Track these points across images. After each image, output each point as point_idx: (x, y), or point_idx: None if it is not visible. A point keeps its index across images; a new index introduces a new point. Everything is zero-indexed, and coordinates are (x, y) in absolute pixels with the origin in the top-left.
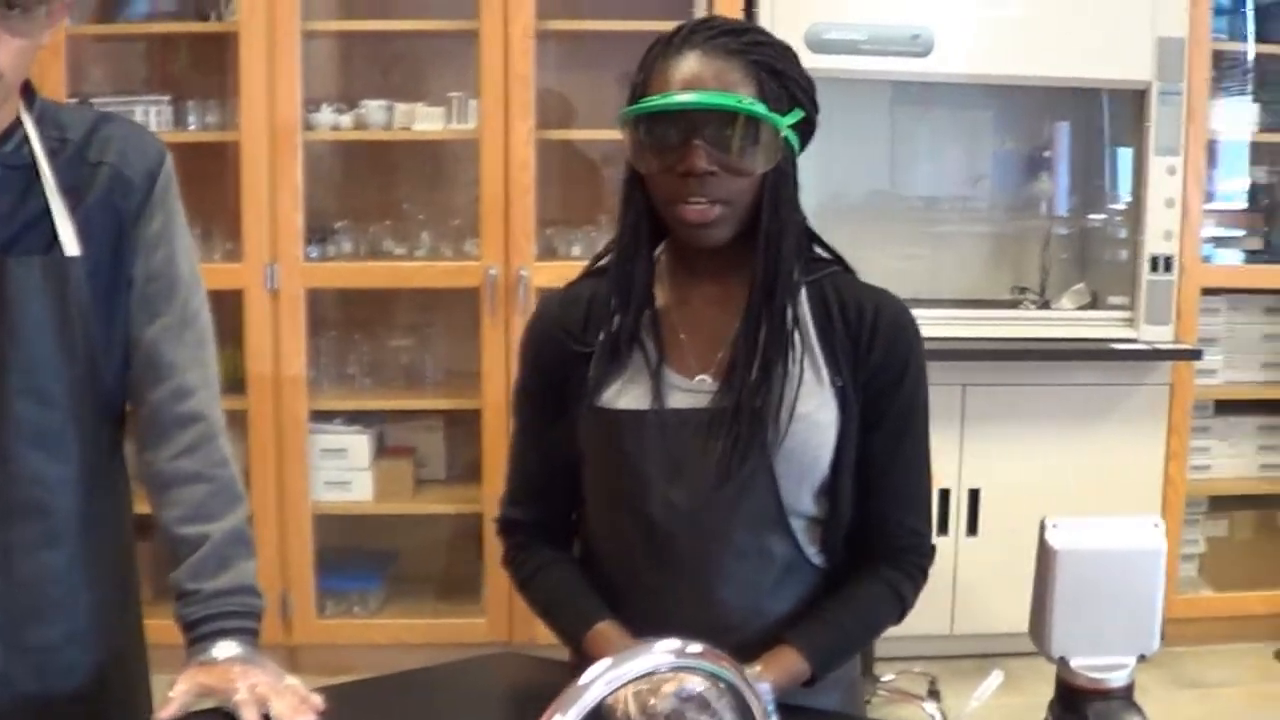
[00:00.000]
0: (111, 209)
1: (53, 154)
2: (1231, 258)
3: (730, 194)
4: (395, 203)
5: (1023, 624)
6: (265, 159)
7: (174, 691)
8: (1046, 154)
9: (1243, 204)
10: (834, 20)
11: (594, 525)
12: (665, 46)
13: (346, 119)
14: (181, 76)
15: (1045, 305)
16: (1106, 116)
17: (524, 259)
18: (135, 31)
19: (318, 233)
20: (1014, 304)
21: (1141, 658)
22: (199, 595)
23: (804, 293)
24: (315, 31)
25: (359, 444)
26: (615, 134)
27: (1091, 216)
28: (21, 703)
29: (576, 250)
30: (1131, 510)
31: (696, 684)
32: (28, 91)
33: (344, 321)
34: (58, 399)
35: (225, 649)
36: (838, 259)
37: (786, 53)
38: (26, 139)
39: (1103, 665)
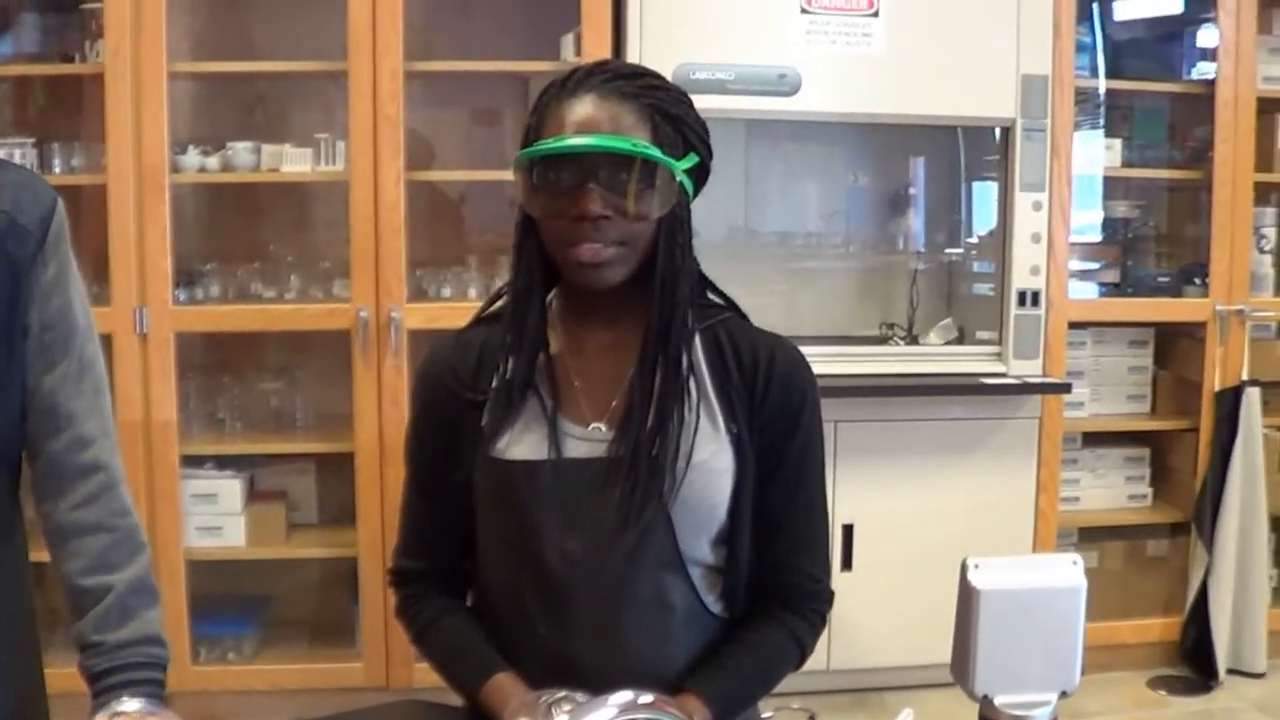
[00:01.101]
0: (5, 256)
1: None
2: (1088, 291)
3: (625, 237)
4: (263, 244)
5: (899, 658)
6: (132, 202)
7: None
8: (907, 190)
9: (1097, 237)
10: (702, 60)
11: (489, 575)
12: (559, 89)
13: (213, 161)
14: (44, 119)
15: (914, 341)
16: (962, 151)
17: (395, 300)
18: (5, 73)
19: (185, 276)
20: (882, 340)
21: (1063, 694)
22: (103, 647)
23: (698, 339)
24: (180, 73)
25: (230, 488)
26: (477, 174)
27: (950, 251)
28: None
29: (446, 291)
30: (1003, 543)
31: None
32: None
33: (212, 365)
34: None
35: (130, 703)
36: (731, 305)
37: (681, 98)
38: None
39: (1025, 703)
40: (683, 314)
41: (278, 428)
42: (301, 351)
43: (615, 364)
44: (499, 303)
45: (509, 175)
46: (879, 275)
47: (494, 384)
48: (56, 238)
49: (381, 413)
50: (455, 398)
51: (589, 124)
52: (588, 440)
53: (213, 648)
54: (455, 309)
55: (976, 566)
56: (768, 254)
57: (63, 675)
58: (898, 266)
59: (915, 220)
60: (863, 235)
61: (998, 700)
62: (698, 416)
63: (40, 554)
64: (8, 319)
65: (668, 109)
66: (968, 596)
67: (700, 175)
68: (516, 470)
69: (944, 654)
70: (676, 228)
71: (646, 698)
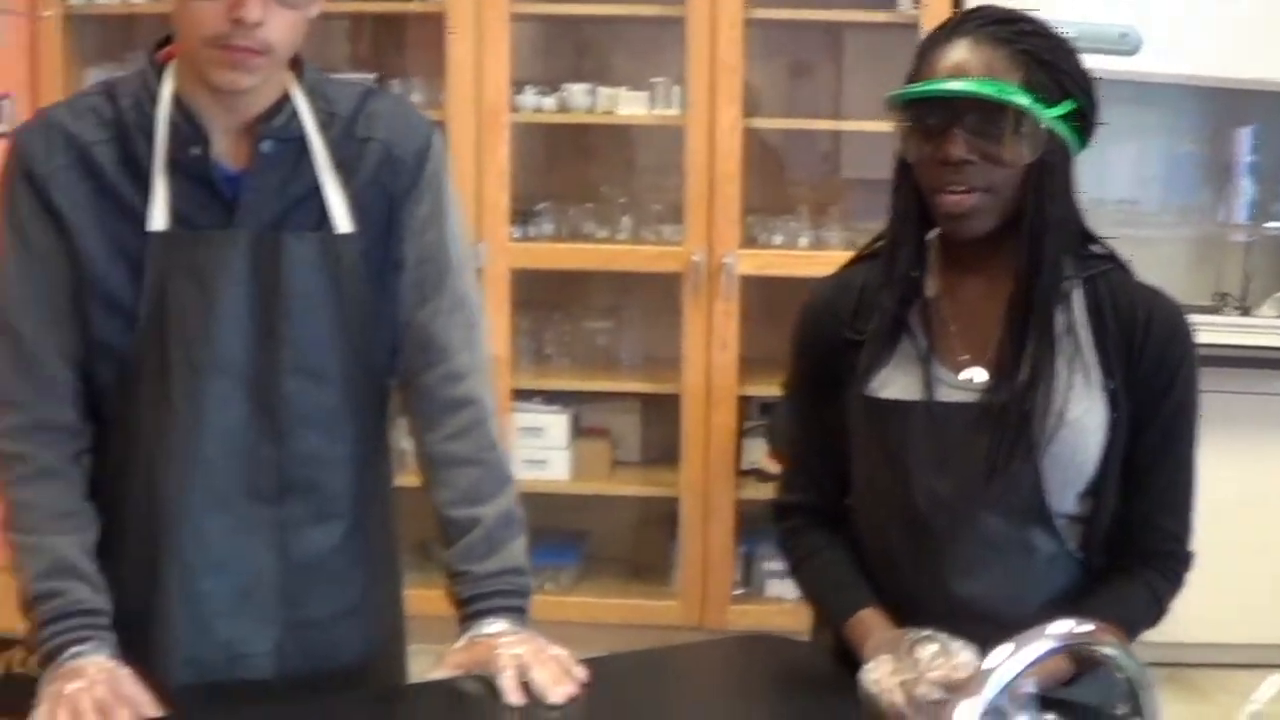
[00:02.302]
0: (380, 188)
1: (323, 128)
2: None
3: (990, 184)
4: (594, 185)
5: (1215, 635)
6: (472, 139)
7: (442, 665)
8: (1238, 158)
9: None
10: (1042, 16)
11: (857, 513)
12: (938, 34)
13: (550, 101)
14: (382, 55)
15: (1246, 312)
16: None
17: (728, 245)
18: (343, 10)
19: (520, 214)
20: (1214, 309)
21: None
22: (469, 576)
23: (1079, 291)
24: (521, 14)
25: (557, 423)
26: (813, 124)
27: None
28: (290, 678)
29: (777, 239)
30: None
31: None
32: (297, 64)
33: (542, 302)
34: (331, 377)
35: (494, 625)
36: (1113, 256)
37: (1060, 44)
38: (296, 113)
39: None
40: (1052, 267)
41: (604, 366)
42: (629, 292)
43: (992, 310)
44: (878, 244)
45: (839, 125)
46: (1210, 245)
47: (871, 324)
48: (434, 171)
49: (710, 357)
50: (834, 337)
51: (960, 68)
52: (961, 387)
53: (534, 577)
54: (787, 257)
55: None
56: (1093, 217)
57: (416, 597)
58: (1227, 236)
59: (1247, 189)
60: (1190, 202)
61: None
62: (1072, 371)
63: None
64: (383, 249)
65: (1042, 55)
66: None
67: (1082, 125)
68: (889, 409)
69: (1260, 635)
70: (1046, 176)
71: (1086, 626)
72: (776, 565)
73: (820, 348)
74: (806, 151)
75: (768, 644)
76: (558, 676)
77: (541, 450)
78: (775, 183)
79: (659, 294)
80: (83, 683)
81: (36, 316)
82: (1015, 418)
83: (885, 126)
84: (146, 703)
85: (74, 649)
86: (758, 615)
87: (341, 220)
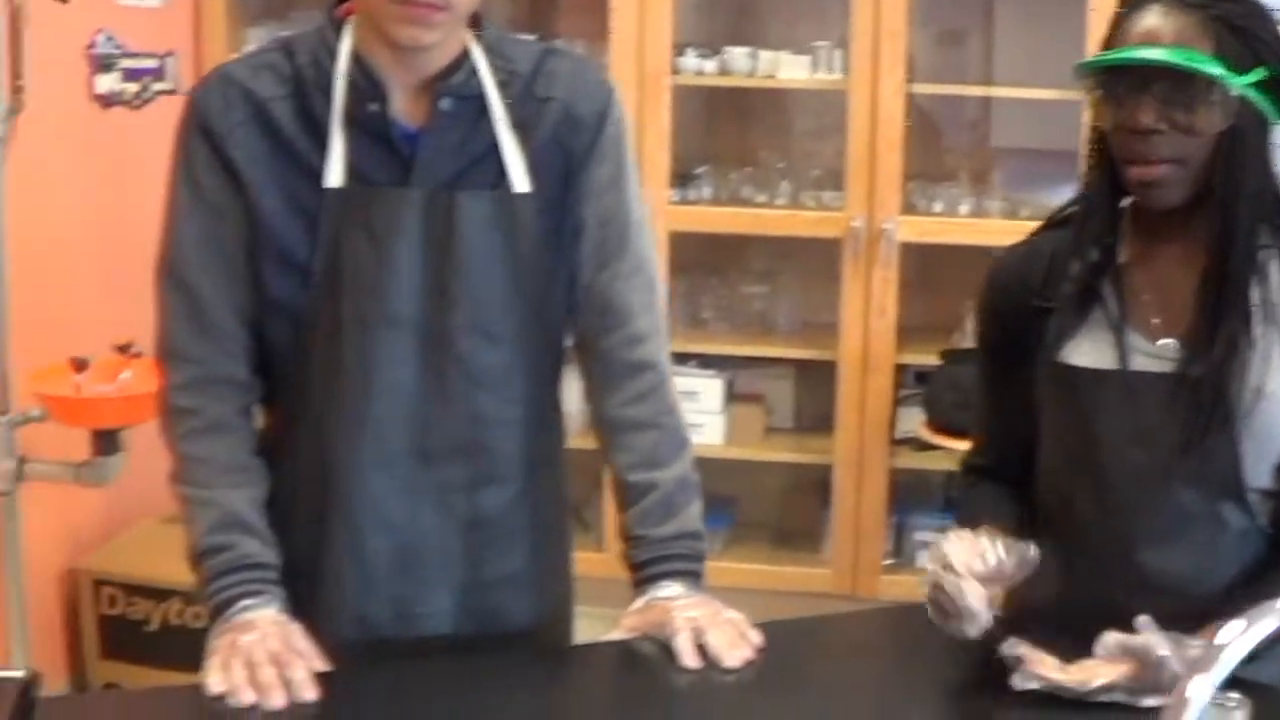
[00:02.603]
0: (559, 148)
1: (502, 86)
2: None
3: (1180, 154)
4: (753, 149)
5: None
6: (634, 102)
7: (617, 627)
8: None
9: None
10: None
11: (1044, 479)
12: (1134, 1)
13: (711, 64)
14: (543, 17)
15: None
16: None
17: (889, 212)
18: None
19: (679, 177)
20: None
21: None
22: (646, 540)
23: (1277, 263)
24: None
25: (712, 387)
26: (970, 90)
27: None
28: (457, 639)
29: (937, 206)
30: None
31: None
32: (476, 22)
33: (698, 265)
34: (505, 338)
35: (669, 589)
36: None
37: (1255, 10)
38: (475, 70)
39: None
40: (1246, 238)
41: (760, 331)
42: (786, 257)
43: (1185, 279)
44: (1069, 210)
45: (1004, 92)
46: None
47: (1062, 291)
48: (614, 131)
49: (868, 324)
50: (1023, 304)
51: (1150, 35)
52: (1155, 356)
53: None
54: (948, 224)
55: None
56: None
57: (581, 559)
58: None
59: None
60: None
61: None
62: (1270, 344)
63: None
64: (560, 210)
65: (1235, 21)
66: None
67: (1278, 93)
68: (1081, 377)
69: None
70: (1239, 145)
71: None
72: (928, 536)
73: (1008, 315)
74: (956, 119)
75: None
76: (734, 640)
77: (695, 415)
78: (931, 150)
79: (816, 260)
80: (255, 635)
81: (211, 273)
82: (1211, 392)
83: (1040, 94)
84: (317, 657)
85: (244, 602)
86: (909, 586)
87: (518, 180)
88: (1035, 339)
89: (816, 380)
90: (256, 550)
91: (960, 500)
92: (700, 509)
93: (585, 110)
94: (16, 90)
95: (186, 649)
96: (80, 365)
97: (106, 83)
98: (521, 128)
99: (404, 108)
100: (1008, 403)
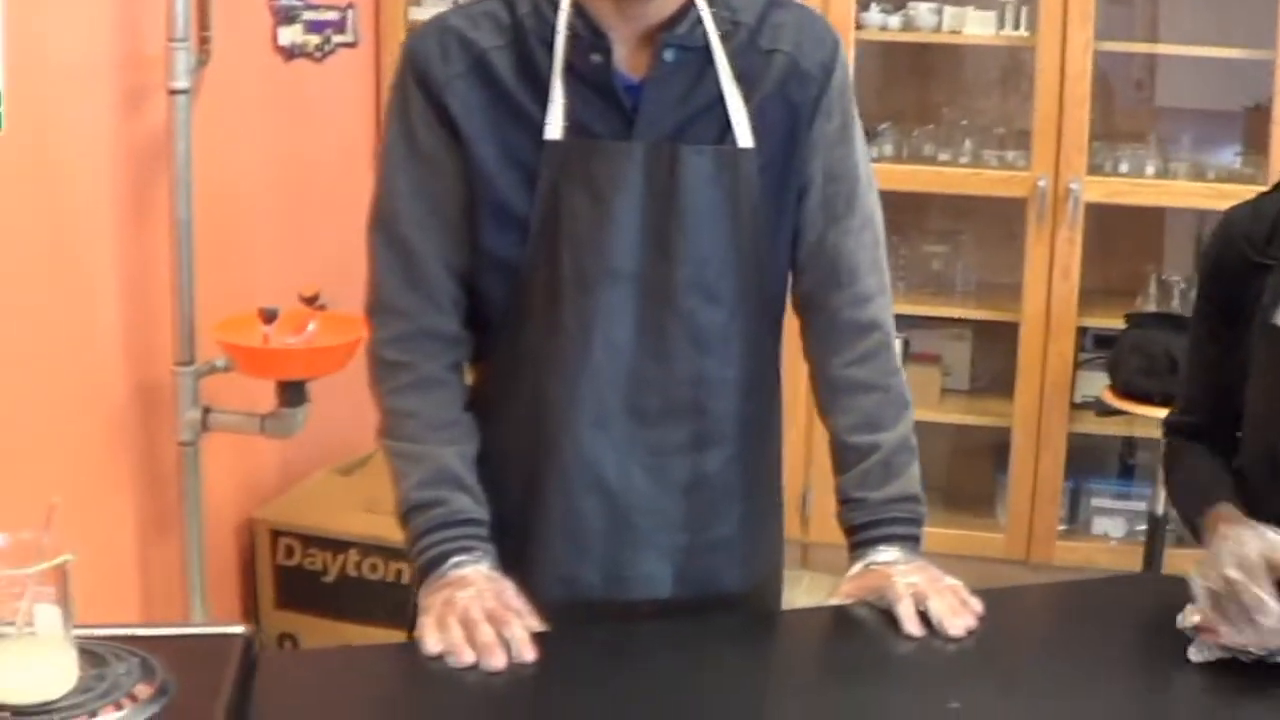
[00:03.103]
0: (786, 102)
1: (725, 38)
2: None
3: None
4: (936, 106)
5: None
6: None
7: (836, 592)
8: None
9: None
10: None
11: (1248, 439)
12: None
13: (895, 20)
14: None
15: None
16: None
17: (1075, 171)
18: None
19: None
20: None
21: None
22: (865, 503)
23: None
24: None
25: None
26: (1160, 48)
27: None
28: (666, 603)
29: (1123, 167)
30: None
31: None
32: None
33: None
34: (724, 297)
35: (887, 553)
36: None
37: None
38: (700, 21)
39: None
40: None
41: (937, 291)
42: (966, 216)
43: None
44: None
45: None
46: None
47: None
48: (840, 84)
49: (1051, 285)
50: (1244, 262)
51: None
52: None
53: None
54: (1135, 185)
55: None
56: None
57: None
58: None
59: None
60: None
61: None
62: None
63: None
64: (784, 167)
65: None
66: None
67: None
68: None
69: None
70: None
71: None
72: (1104, 502)
73: (1228, 272)
74: (1132, 78)
75: (1140, 584)
76: (956, 608)
77: None
78: (1112, 109)
79: (995, 220)
80: (471, 592)
81: (424, 226)
82: None
83: (1225, 53)
84: (533, 615)
85: (456, 559)
86: (1085, 552)
87: (742, 134)
88: (1254, 297)
89: (993, 342)
90: (468, 506)
91: (1172, 464)
92: (918, 473)
93: (812, 63)
94: (203, 42)
95: (362, 601)
96: (269, 316)
97: (289, 35)
98: (745, 81)
99: (625, 59)
100: (1223, 360)
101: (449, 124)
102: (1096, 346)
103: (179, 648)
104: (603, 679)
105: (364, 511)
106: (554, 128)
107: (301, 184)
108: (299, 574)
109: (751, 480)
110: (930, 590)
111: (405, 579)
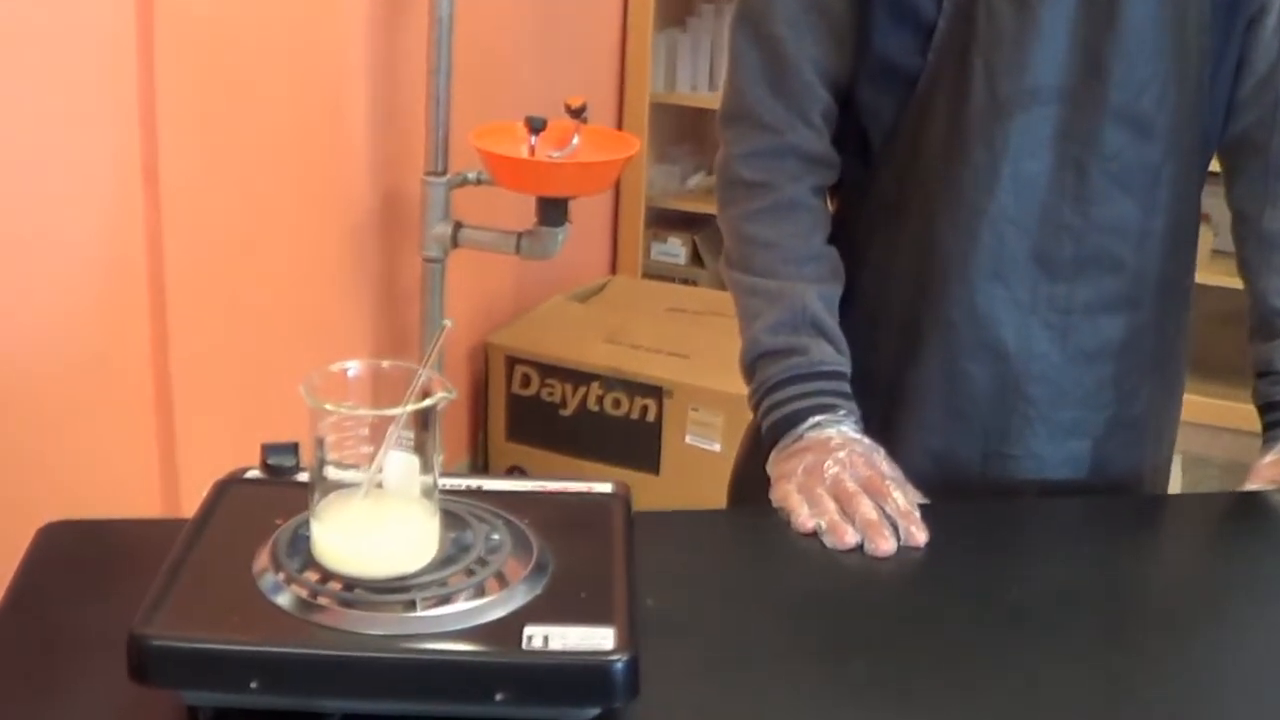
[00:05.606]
0: None
1: None
2: None
3: None
4: None
5: None
6: None
7: (1251, 477)
8: None
9: None
10: None
11: None
12: None
13: None
14: None
15: None
16: None
17: None
18: None
19: None
20: None
21: None
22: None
23: None
24: None
25: None
26: None
27: None
28: (1045, 484)
29: None
30: None
31: None
32: None
33: None
34: (1158, 132)
35: None
36: None
37: None
38: None
39: None
40: None
41: None
42: None
43: None
44: None
45: None
46: None
47: None
48: None
49: None
50: None
51: None
52: None
53: None
54: None
55: None
56: None
57: None
58: None
59: None
60: None
61: None
62: None
63: None
64: None
65: None
66: None
67: None
68: None
69: None
70: None
71: None
72: None
73: None
74: None
75: None
76: None
77: None
78: None
79: None
80: (841, 456)
81: (800, 25)
82: None
83: None
84: (912, 487)
85: (816, 418)
86: None
87: None
88: None
89: None
90: (830, 356)
91: None
92: None
93: None
94: None
95: (603, 437)
96: (537, 126)
97: None
98: None
99: None
100: None
101: None
102: None
103: (549, 506)
104: (985, 562)
105: (606, 342)
106: None
107: None
108: (535, 404)
109: (1166, 353)
110: None
111: (651, 417)
